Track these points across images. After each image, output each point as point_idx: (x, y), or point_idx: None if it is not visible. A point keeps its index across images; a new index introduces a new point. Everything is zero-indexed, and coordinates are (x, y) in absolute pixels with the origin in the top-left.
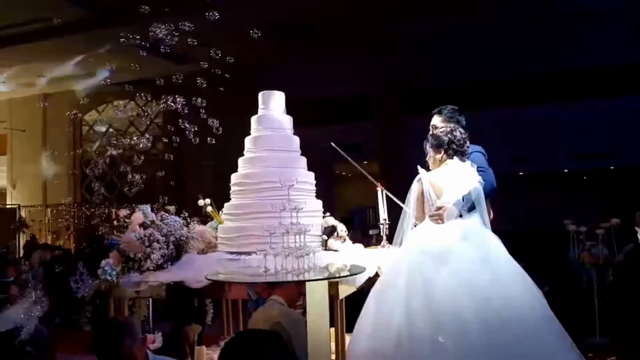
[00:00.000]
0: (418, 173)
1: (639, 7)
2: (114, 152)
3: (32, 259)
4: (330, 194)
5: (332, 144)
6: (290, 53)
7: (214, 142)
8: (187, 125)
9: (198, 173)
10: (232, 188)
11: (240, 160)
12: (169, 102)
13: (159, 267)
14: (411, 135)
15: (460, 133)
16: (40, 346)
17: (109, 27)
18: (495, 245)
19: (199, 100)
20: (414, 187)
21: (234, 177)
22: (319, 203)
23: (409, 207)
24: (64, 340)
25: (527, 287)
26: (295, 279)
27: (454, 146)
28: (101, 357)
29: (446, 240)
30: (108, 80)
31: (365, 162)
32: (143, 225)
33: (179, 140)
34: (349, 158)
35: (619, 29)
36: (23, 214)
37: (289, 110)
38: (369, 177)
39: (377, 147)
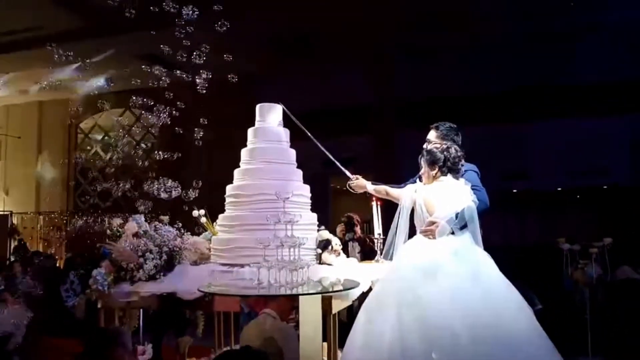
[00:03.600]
0: (415, 183)
1: (632, 26)
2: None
3: (14, 268)
4: (325, 208)
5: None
6: (285, 66)
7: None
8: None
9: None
10: (227, 199)
11: (235, 172)
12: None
13: (151, 278)
14: (406, 149)
15: (456, 151)
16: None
17: (106, 36)
18: (486, 262)
19: (196, 110)
20: (410, 196)
21: (229, 189)
22: (314, 216)
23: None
24: (51, 348)
25: (518, 304)
26: (289, 292)
27: (449, 164)
28: None
29: (437, 256)
30: (104, 89)
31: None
32: (136, 235)
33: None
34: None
35: (613, 48)
36: (15, 220)
37: (286, 123)
38: (343, 169)
39: (372, 161)
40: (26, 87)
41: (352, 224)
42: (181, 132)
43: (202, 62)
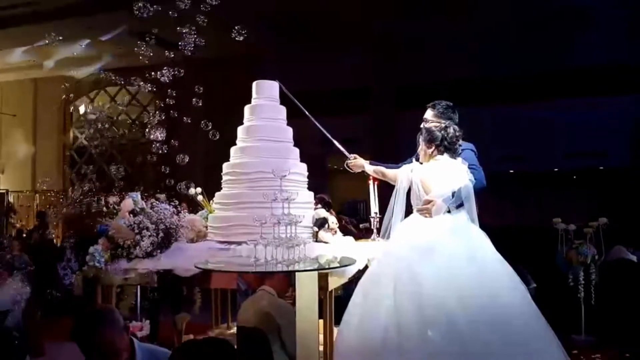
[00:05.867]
0: (411, 162)
1: (631, 7)
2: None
3: (13, 245)
4: (322, 187)
5: None
6: (286, 45)
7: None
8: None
9: (189, 161)
10: (224, 177)
11: (232, 150)
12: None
13: (148, 255)
14: (405, 129)
15: (454, 130)
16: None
17: (102, 13)
18: (482, 241)
19: (193, 88)
20: (407, 176)
21: (225, 167)
22: (311, 195)
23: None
24: (50, 327)
25: (513, 283)
26: (285, 269)
27: (446, 143)
28: (81, 347)
29: (434, 235)
30: (100, 67)
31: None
32: (133, 213)
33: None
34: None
35: (611, 29)
36: (11, 199)
37: (283, 101)
38: (341, 148)
39: (371, 141)
40: (22, 65)
41: (328, 205)
42: (176, 114)
43: (199, 41)
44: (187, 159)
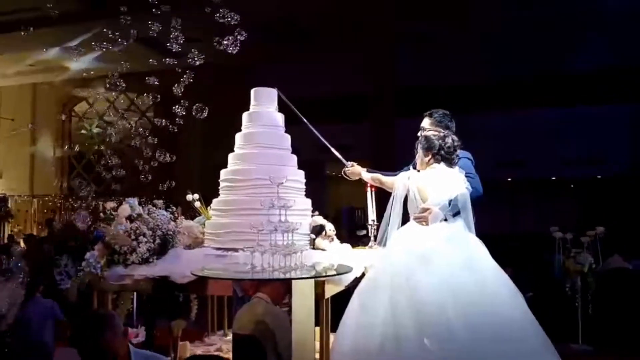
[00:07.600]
0: (409, 170)
1: (630, 14)
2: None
3: (13, 250)
4: (320, 194)
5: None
6: (283, 52)
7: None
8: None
9: (187, 168)
10: (221, 184)
11: (230, 157)
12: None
13: (144, 261)
14: (403, 136)
15: (453, 141)
16: None
17: (101, 19)
18: (479, 249)
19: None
20: (404, 183)
21: (223, 173)
22: (308, 202)
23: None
24: None
25: (510, 291)
26: (282, 277)
27: (443, 152)
28: (81, 351)
29: (430, 243)
30: (97, 72)
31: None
32: (130, 218)
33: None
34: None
35: (609, 36)
36: (9, 203)
37: (281, 108)
38: (339, 155)
39: (369, 148)
40: (20, 69)
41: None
42: (176, 121)
43: (196, 47)
44: None
